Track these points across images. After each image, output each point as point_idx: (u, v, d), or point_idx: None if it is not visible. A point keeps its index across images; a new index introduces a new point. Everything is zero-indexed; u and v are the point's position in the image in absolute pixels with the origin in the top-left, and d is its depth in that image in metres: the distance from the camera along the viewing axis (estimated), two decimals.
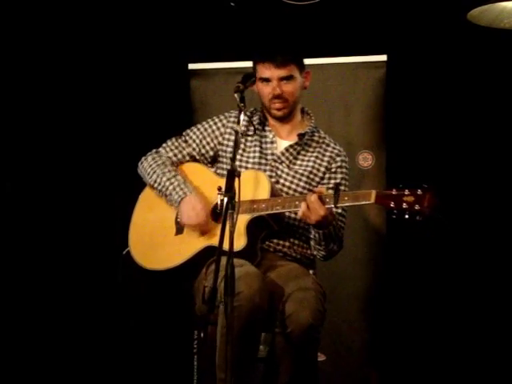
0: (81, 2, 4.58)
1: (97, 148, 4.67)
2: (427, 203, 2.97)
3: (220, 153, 3.54)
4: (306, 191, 3.41)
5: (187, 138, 3.58)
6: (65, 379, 4.53)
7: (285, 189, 3.44)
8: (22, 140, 4.65)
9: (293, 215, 3.39)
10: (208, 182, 3.47)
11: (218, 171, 3.53)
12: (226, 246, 2.87)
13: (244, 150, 3.50)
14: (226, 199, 2.90)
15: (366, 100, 4.39)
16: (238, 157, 3.46)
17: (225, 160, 3.52)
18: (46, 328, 4.59)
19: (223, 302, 2.94)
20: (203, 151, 3.56)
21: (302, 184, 3.45)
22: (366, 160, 4.37)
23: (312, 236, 3.35)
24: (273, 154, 3.48)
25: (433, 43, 4.47)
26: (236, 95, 3.24)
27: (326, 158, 3.51)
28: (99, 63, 4.66)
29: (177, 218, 3.45)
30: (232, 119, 3.54)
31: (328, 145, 3.54)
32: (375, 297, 4.31)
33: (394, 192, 3.03)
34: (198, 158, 3.56)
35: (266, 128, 3.52)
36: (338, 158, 3.52)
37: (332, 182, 3.46)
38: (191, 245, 3.36)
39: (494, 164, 4.49)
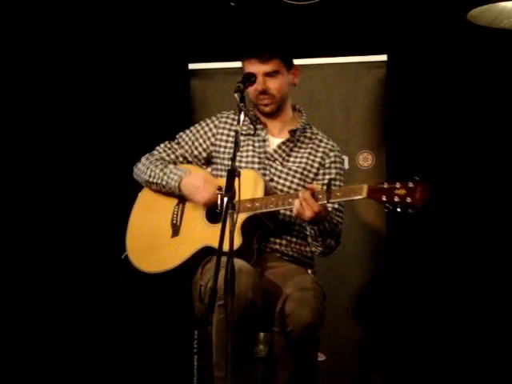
0: (81, 2, 4.58)
1: (97, 148, 4.67)
2: (419, 196, 2.96)
3: (214, 154, 3.54)
4: (300, 188, 3.40)
5: (180, 140, 3.59)
6: (65, 379, 4.53)
7: (279, 186, 3.44)
8: (22, 140, 4.65)
9: (288, 213, 3.39)
10: None
11: (214, 172, 3.53)
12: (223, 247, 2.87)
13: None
14: (225, 199, 2.90)
15: (366, 100, 4.39)
16: (230, 156, 3.47)
17: (219, 161, 3.52)
18: (45, 328, 4.59)
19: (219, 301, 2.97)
20: (196, 152, 3.56)
21: (296, 181, 3.45)
22: (366, 160, 4.37)
23: (308, 233, 3.35)
24: (266, 152, 3.48)
25: (433, 43, 4.47)
26: (236, 95, 3.25)
27: (319, 154, 3.50)
28: (99, 63, 4.66)
29: (173, 219, 3.46)
30: (224, 119, 3.56)
31: (321, 141, 3.54)
32: (375, 296, 4.30)
33: (385, 186, 3.02)
34: (190, 159, 3.57)
35: (258, 126, 3.52)
36: (332, 154, 3.51)
37: (327, 177, 3.46)
38: (187, 246, 3.36)
39: (494, 161, 4.49)
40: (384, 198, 3.01)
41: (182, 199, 3.48)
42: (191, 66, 4.51)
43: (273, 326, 3.22)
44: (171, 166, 3.49)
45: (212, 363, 3.18)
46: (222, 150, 3.52)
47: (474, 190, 4.48)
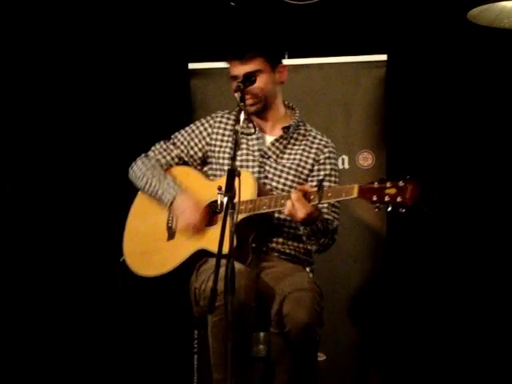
0: (81, 2, 4.57)
1: (97, 148, 4.67)
2: (409, 195, 2.95)
3: (209, 153, 3.54)
4: (295, 185, 3.41)
5: (175, 140, 3.59)
6: (66, 379, 4.53)
7: (274, 183, 3.44)
8: (22, 140, 4.65)
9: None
10: (197, 184, 3.48)
11: (210, 172, 3.54)
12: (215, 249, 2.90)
13: (232, 149, 3.50)
14: (225, 199, 2.90)
15: (366, 99, 4.39)
16: (226, 155, 3.48)
17: (214, 160, 3.52)
18: (45, 328, 4.59)
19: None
20: (191, 153, 3.56)
21: (290, 178, 3.45)
22: (366, 160, 4.36)
23: (301, 232, 3.35)
24: (260, 150, 3.48)
25: (433, 43, 4.47)
26: (236, 95, 3.26)
27: (313, 150, 3.50)
28: (99, 63, 4.66)
29: (168, 223, 3.46)
30: (219, 119, 3.56)
31: (315, 137, 3.54)
32: (375, 296, 4.30)
33: (375, 185, 3.02)
34: (186, 159, 3.57)
35: (250, 125, 3.52)
36: (326, 149, 3.51)
37: (321, 173, 3.46)
38: (183, 249, 3.37)
39: (495, 161, 4.49)
40: (375, 198, 3.00)
41: None
42: (191, 66, 4.51)
43: (270, 327, 3.22)
44: (168, 180, 3.47)
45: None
46: (217, 149, 3.52)
47: (475, 189, 4.48)
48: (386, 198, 2.98)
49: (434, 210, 4.39)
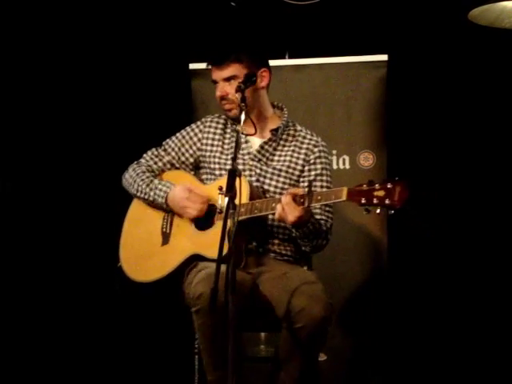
0: (82, 2, 4.57)
1: (97, 148, 4.67)
2: (397, 197, 2.93)
3: (201, 158, 3.54)
4: (287, 186, 3.41)
5: (166, 146, 3.59)
6: (66, 379, 4.53)
7: (265, 186, 3.44)
8: (21, 140, 4.65)
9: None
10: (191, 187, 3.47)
11: (203, 176, 3.54)
12: (211, 254, 3.06)
13: (222, 153, 3.50)
14: (226, 199, 2.91)
15: (367, 100, 4.39)
16: (216, 160, 3.48)
17: (206, 165, 3.52)
18: (45, 328, 4.59)
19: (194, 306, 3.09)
20: (183, 158, 3.56)
21: (281, 179, 3.45)
22: (366, 160, 4.36)
23: (294, 235, 3.35)
24: (249, 153, 3.47)
25: (434, 43, 4.48)
26: (237, 95, 3.24)
27: (303, 151, 3.49)
28: (100, 64, 4.66)
29: (162, 228, 3.46)
30: (208, 123, 3.55)
31: (304, 137, 3.52)
32: (375, 297, 4.30)
33: (364, 187, 2.99)
34: (178, 165, 3.57)
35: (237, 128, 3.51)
36: (316, 149, 3.50)
37: (313, 173, 3.46)
38: (176, 255, 3.37)
39: (495, 161, 4.50)
40: (363, 201, 2.98)
41: None
42: (192, 66, 4.51)
43: (281, 325, 3.20)
44: (156, 181, 3.48)
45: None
46: (208, 154, 3.52)
47: (475, 189, 4.48)
48: (375, 201, 2.95)
49: (434, 211, 4.40)
